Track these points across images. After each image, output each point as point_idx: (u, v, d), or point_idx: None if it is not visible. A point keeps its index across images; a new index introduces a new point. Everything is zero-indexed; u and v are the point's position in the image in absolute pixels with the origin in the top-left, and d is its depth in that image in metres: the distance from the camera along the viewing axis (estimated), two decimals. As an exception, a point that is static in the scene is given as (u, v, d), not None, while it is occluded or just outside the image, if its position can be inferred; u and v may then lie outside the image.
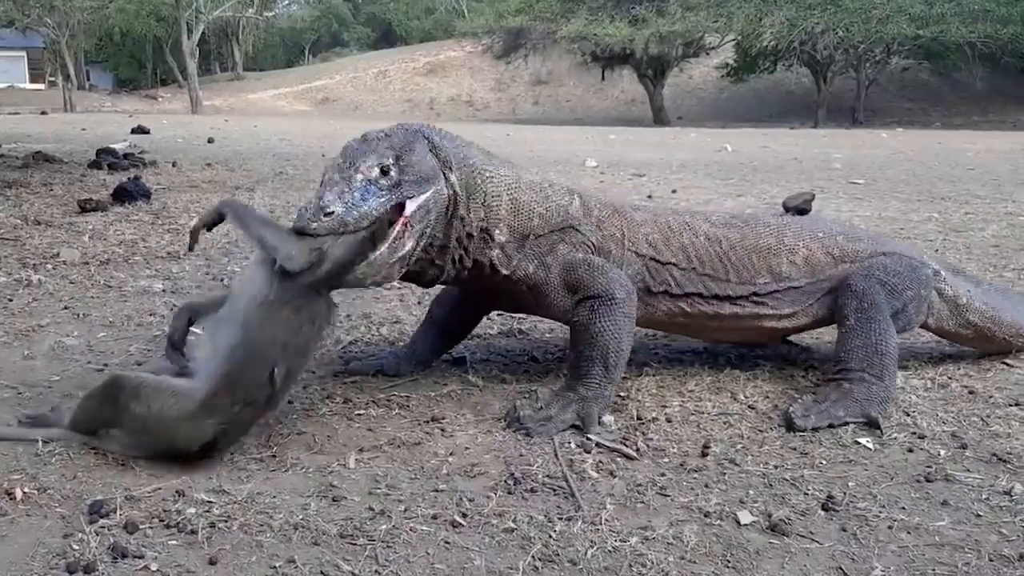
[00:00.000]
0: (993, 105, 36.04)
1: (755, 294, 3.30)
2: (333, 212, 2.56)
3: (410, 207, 2.70)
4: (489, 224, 2.96)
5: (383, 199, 2.66)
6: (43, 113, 31.04)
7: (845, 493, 2.45)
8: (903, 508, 2.38)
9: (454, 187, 2.84)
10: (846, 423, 2.94)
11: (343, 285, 2.71)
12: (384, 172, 2.68)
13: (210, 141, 16.60)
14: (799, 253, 3.35)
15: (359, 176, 2.66)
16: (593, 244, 3.12)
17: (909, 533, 2.25)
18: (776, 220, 3.57)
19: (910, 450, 2.76)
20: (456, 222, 2.88)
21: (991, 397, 3.21)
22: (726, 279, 3.28)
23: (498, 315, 4.30)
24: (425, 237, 2.78)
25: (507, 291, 3.11)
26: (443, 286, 3.29)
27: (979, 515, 2.35)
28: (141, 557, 2.05)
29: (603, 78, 41.38)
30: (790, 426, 2.91)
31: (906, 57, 36.17)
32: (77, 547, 2.08)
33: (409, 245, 2.72)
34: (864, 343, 3.13)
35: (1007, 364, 3.59)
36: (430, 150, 2.82)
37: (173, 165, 11.25)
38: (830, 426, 2.92)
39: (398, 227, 2.68)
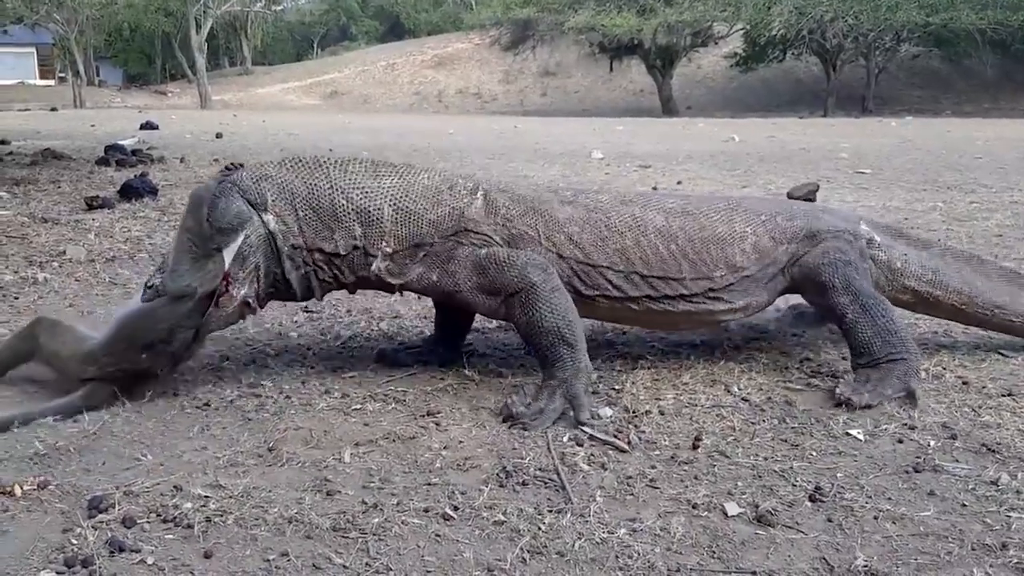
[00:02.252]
0: (1004, 92, 35.82)
1: (711, 289, 3.30)
2: (152, 285, 2.98)
3: (227, 260, 2.94)
4: (367, 240, 3.06)
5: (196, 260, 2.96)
6: (53, 109, 31.21)
7: (833, 484, 2.48)
8: (889, 499, 2.41)
9: (268, 225, 3.00)
10: (893, 399, 3.05)
11: (198, 331, 3.05)
12: (192, 234, 2.95)
13: (218, 136, 16.67)
14: (748, 240, 3.34)
15: (176, 243, 3.02)
16: (498, 244, 3.12)
17: (894, 523, 2.28)
18: (724, 203, 3.49)
19: (900, 441, 2.79)
20: (291, 252, 3.04)
21: (984, 387, 3.23)
22: (680, 277, 3.26)
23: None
24: (260, 278, 3.04)
25: (430, 296, 3.23)
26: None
27: (964, 505, 2.37)
28: (138, 551, 2.10)
29: (611, 69, 41.31)
30: (847, 405, 3.02)
31: (916, 44, 35.95)
32: (75, 542, 2.13)
33: (242, 292, 3.01)
34: (875, 331, 3.18)
35: (1002, 354, 3.60)
36: (239, 195, 2.98)
37: (181, 161, 11.32)
38: (880, 404, 3.02)
39: (220, 286, 2.95)
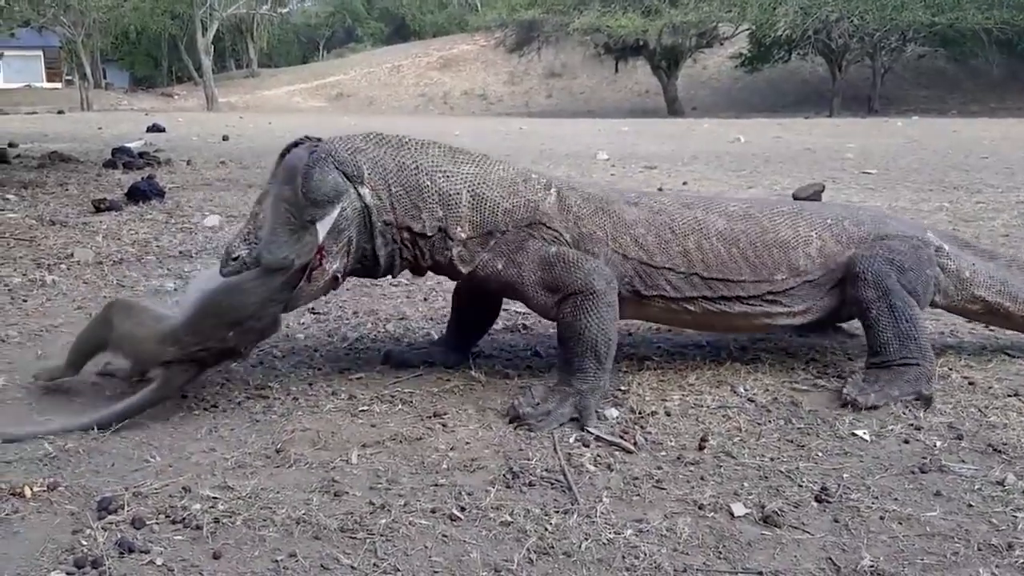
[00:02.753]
0: (1011, 92, 35.73)
1: (770, 292, 3.28)
2: (238, 257, 2.93)
3: (322, 233, 2.88)
4: (448, 223, 3.05)
5: (291, 229, 2.88)
6: (60, 112, 31.32)
7: (839, 485, 2.49)
8: (896, 499, 2.41)
9: (365, 199, 2.96)
10: (900, 401, 3.05)
11: (286, 306, 2.99)
12: (290, 204, 2.88)
13: (225, 139, 16.71)
14: (813, 244, 3.31)
15: (262, 213, 2.97)
16: (567, 241, 3.12)
17: (900, 524, 2.28)
18: (789, 207, 3.49)
19: (906, 441, 2.79)
20: (383, 228, 3.02)
21: (990, 388, 3.23)
22: (739, 280, 3.25)
23: (503, 310, 4.35)
24: (351, 253, 3.00)
25: (489, 288, 3.19)
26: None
27: (971, 505, 2.38)
28: (147, 552, 2.11)
29: (616, 70, 41.30)
30: (852, 405, 3.03)
31: (922, 44, 35.88)
32: (85, 543, 2.15)
33: (334, 266, 2.97)
34: (895, 331, 3.16)
35: (1008, 355, 3.61)
36: (335, 167, 2.94)
37: (187, 163, 11.36)
38: (885, 405, 3.03)
39: (313, 259, 2.89)
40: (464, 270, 3.10)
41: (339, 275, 3.02)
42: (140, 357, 3.01)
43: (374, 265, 3.09)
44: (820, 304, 3.34)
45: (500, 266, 3.08)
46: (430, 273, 3.24)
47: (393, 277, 3.24)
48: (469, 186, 3.07)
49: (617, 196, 3.31)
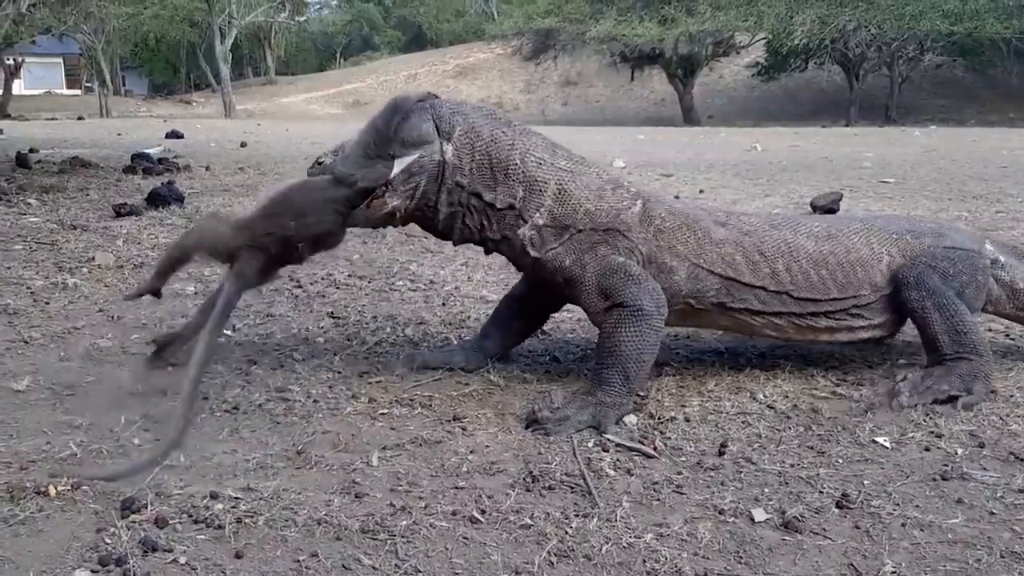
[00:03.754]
0: (1029, 102, 35.54)
1: (856, 306, 3.36)
2: (322, 163, 3.17)
3: (395, 170, 3.03)
4: (524, 203, 3.12)
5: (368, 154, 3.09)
6: (80, 118, 31.57)
7: (860, 491, 2.48)
8: (917, 506, 2.41)
9: (445, 155, 3.07)
10: (951, 397, 3.09)
11: (345, 221, 3.15)
12: (377, 133, 3.08)
13: (243, 145, 16.81)
14: (884, 260, 3.39)
15: (356, 136, 3.19)
16: (642, 253, 3.15)
17: (922, 530, 2.28)
18: (860, 224, 3.54)
19: (927, 449, 2.78)
20: (451, 188, 3.11)
21: (1011, 396, 3.22)
22: (827, 298, 3.32)
23: (522, 316, 4.36)
24: (415, 197, 3.10)
25: (547, 280, 3.24)
26: (478, 246, 3.34)
27: (993, 512, 2.37)
28: (170, 551, 2.13)
29: (632, 78, 41.34)
30: (897, 401, 3.09)
31: (940, 54, 35.71)
32: (109, 541, 2.16)
33: (393, 203, 3.08)
34: (944, 327, 3.21)
35: (1029, 363, 3.59)
36: (432, 117, 3.08)
37: (206, 169, 11.43)
38: (934, 401, 3.08)
39: (379, 189, 3.04)
40: (532, 254, 3.16)
41: (398, 212, 3.12)
42: (216, 246, 3.14)
43: (434, 217, 3.17)
44: (892, 317, 3.41)
45: (567, 262, 3.14)
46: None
47: (454, 244, 3.30)
48: (558, 179, 3.15)
49: (704, 214, 3.35)
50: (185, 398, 2.66)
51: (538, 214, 3.13)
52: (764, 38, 36.50)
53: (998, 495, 2.46)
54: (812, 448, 2.79)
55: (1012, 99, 35.88)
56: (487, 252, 3.35)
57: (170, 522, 2.25)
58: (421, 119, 3.07)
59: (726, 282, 3.23)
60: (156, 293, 3.42)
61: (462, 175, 3.10)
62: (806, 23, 32.74)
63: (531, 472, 2.57)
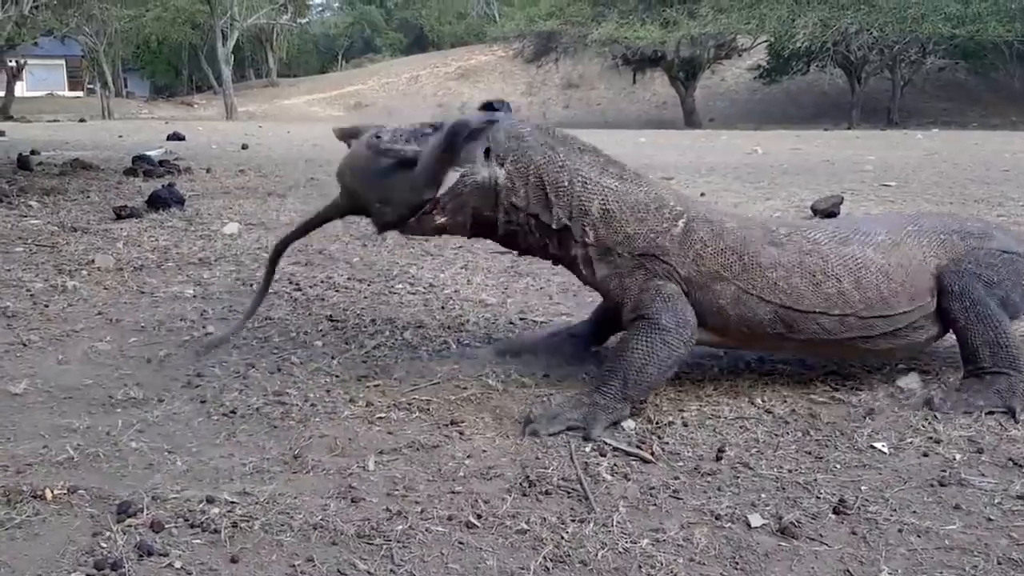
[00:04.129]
0: (1032, 105, 35.50)
1: (923, 317, 3.28)
2: (379, 136, 3.18)
3: (442, 189, 3.08)
4: (574, 223, 3.16)
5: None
6: (81, 120, 31.58)
7: (857, 497, 2.47)
8: (914, 512, 2.40)
9: (497, 178, 3.12)
10: (989, 412, 3.06)
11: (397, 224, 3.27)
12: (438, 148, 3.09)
13: (244, 147, 16.80)
14: (932, 263, 3.29)
15: (420, 128, 3.24)
16: (680, 275, 3.12)
17: (919, 536, 2.27)
18: (913, 225, 3.42)
19: (925, 454, 2.78)
20: (507, 208, 3.16)
21: (1010, 401, 3.21)
22: (897, 313, 3.22)
23: (520, 319, 4.37)
24: (467, 214, 3.17)
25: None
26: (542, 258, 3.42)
27: (991, 519, 2.36)
28: (166, 555, 2.13)
29: (634, 81, 41.31)
30: (929, 407, 3.10)
31: (942, 57, 35.63)
32: (105, 545, 2.16)
33: (440, 221, 3.15)
34: (984, 340, 3.17)
35: (1029, 368, 3.57)
36: (485, 140, 3.13)
37: (207, 171, 11.43)
38: (966, 414, 3.04)
39: (427, 205, 3.11)
40: (584, 271, 3.22)
41: (449, 227, 3.21)
42: (339, 169, 3.37)
43: (494, 233, 3.26)
44: (941, 323, 3.33)
45: (612, 285, 3.18)
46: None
47: (520, 254, 3.44)
48: (602, 200, 3.16)
49: (760, 234, 3.24)
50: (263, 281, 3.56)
51: (586, 235, 3.17)
52: (766, 41, 36.43)
53: (996, 501, 2.46)
54: (810, 453, 2.79)
55: (1014, 102, 35.83)
56: (554, 263, 3.43)
57: (166, 526, 2.25)
58: (478, 143, 3.10)
59: (783, 310, 3.14)
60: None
61: (517, 197, 3.15)
62: (808, 26, 32.68)
63: (528, 477, 2.57)
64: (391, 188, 3.16)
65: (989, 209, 8.52)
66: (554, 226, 3.16)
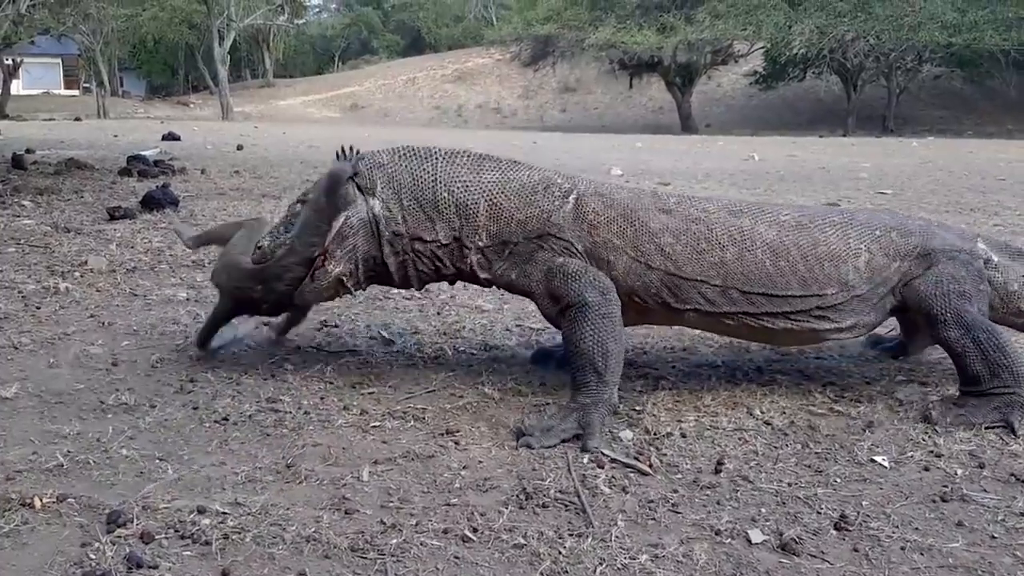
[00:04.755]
0: (1027, 114, 35.57)
1: (819, 307, 3.21)
2: (261, 246, 3.31)
3: (327, 238, 3.13)
4: (464, 233, 3.15)
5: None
6: (77, 119, 31.48)
7: (858, 512, 2.44)
8: (917, 529, 2.37)
9: (373, 210, 3.14)
10: (988, 427, 3.03)
11: (291, 304, 3.43)
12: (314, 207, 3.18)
13: (239, 148, 16.75)
14: (862, 257, 3.23)
15: (290, 213, 3.35)
16: (578, 251, 3.12)
17: (922, 554, 2.24)
18: (839, 216, 3.37)
19: (926, 469, 2.74)
20: (390, 239, 3.17)
21: (1011, 415, 3.17)
22: (785, 295, 3.18)
23: (517, 325, 4.33)
24: (357, 259, 3.18)
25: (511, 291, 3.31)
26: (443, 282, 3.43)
27: (994, 536, 2.33)
28: (155, 567, 2.09)
29: (631, 86, 41.31)
30: (927, 420, 3.08)
31: (938, 65, 35.70)
32: (94, 556, 2.12)
33: (336, 270, 3.17)
34: (984, 363, 3.10)
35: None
36: (352, 179, 3.16)
37: (202, 172, 11.38)
38: (965, 429, 3.01)
39: (317, 260, 3.14)
40: (483, 276, 3.20)
41: (344, 278, 3.21)
42: (215, 270, 3.54)
43: (386, 272, 3.25)
44: (867, 319, 3.28)
45: (513, 276, 3.17)
46: (441, 286, 3.26)
47: (418, 290, 3.38)
48: (487, 196, 3.16)
49: (650, 202, 3.24)
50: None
51: (477, 237, 3.15)
52: (762, 47, 36.50)
53: (999, 518, 2.42)
54: (810, 467, 2.75)
55: (1010, 111, 35.91)
56: (451, 283, 3.45)
57: (156, 537, 2.21)
58: (346, 185, 3.15)
59: (667, 277, 3.13)
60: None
61: (397, 224, 3.16)
62: (804, 33, 32.74)
63: (525, 489, 2.53)
64: (274, 266, 3.24)
65: (986, 218, 8.50)
66: (443, 241, 3.16)
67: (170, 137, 19.12)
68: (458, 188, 3.15)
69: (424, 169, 3.18)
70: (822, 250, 3.20)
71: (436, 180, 3.16)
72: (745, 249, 3.15)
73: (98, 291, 4.82)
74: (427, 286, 3.45)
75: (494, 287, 3.30)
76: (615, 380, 2.99)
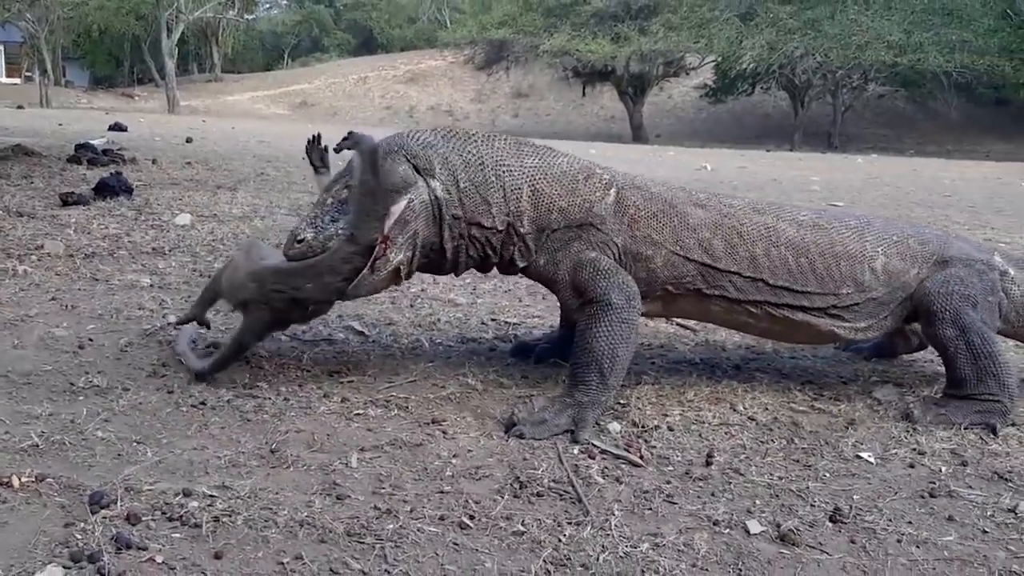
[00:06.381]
0: (967, 135, 36.49)
1: (835, 306, 3.24)
2: (303, 239, 2.98)
3: (387, 224, 2.86)
4: (513, 218, 3.03)
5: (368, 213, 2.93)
6: (19, 107, 30.66)
7: (851, 506, 2.45)
8: (910, 522, 2.38)
9: (435, 192, 2.94)
10: (967, 427, 3.05)
11: (343, 296, 3.06)
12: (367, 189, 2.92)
13: (188, 141, 16.42)
14: (878, 260, 3.27)
15: (329, 199, 3.03)
16: (617, 244, 3.08)
17: (918, 547, 2.25)
18: (856, 220, 3.42)
19: (911, 466, 2.77)
20: (450, 223, 2.99)
21: (988, 416, 3.22)
22: (804, 290, 3.21)
23: (492, 319, 4.29)
24: (416, 244, 2.95)
25: (536, 280, 3.23)
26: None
27: (985, 531, 2.35)
28: (145, 549, 2.01)
29: (584, 94, 41.53)
30: (907, 418, 3.11)
31: (883, 84, 36.47)
32: (80, 536, 2.04)
33: (398, 258, 2.92)
34: (974, 368, 3.14)
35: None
36: (406, 159, 2.94)
37: (153, 162, 11.12)
38: (944, 428, 3.05)
39: (378, 248, 2.86)
40: (520, 264, 3.11)
41: (402, 266, 2.98)
42: (231, 289, 3.19)
43: (441, 259, 3.08)
44: (883, 323, 3.32)
45: (542, 263, 3.08)
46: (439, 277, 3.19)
47: (456, 275, 3.23)
48: (530, 181, 3.05)
49: (684, 196, 3.26)
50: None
51: (520, 224, 3.05)
52: (713, 61, 36.92)
53: (988, 514, 2.45)
54: (798, 461, 2.76)
55: (950, 131, 36.83)
56: (484, 272, 3.29)
57: (143, 519, 2.14)
58: (396, 164, 2.94)
59: (704, 268, 3.16)
60: (201, 322, 3.59)
61: (455, 206, 2.99)
62: (755, 48, 33.18)
63: (518, 478, 2.50)
64: (330, 259, 2.95)
65: (938, 231, 8.68)
66: (499, 227, 3.04)
67: (117, 128, 18.68)
68: (504, 171, 3.04)
69: (470, 151, 3.04)
70: (839, 250, 3.24)
71: (483, 163, 3.03)
72: (771, 244, 3.19)
73: (57, 275, 4.66)
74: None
75: (524, 276, 3.23)
76: (616, 385, 2.99)
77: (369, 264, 2.89)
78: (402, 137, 3.05)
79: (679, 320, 4.18)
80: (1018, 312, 3.40)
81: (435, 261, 3.09)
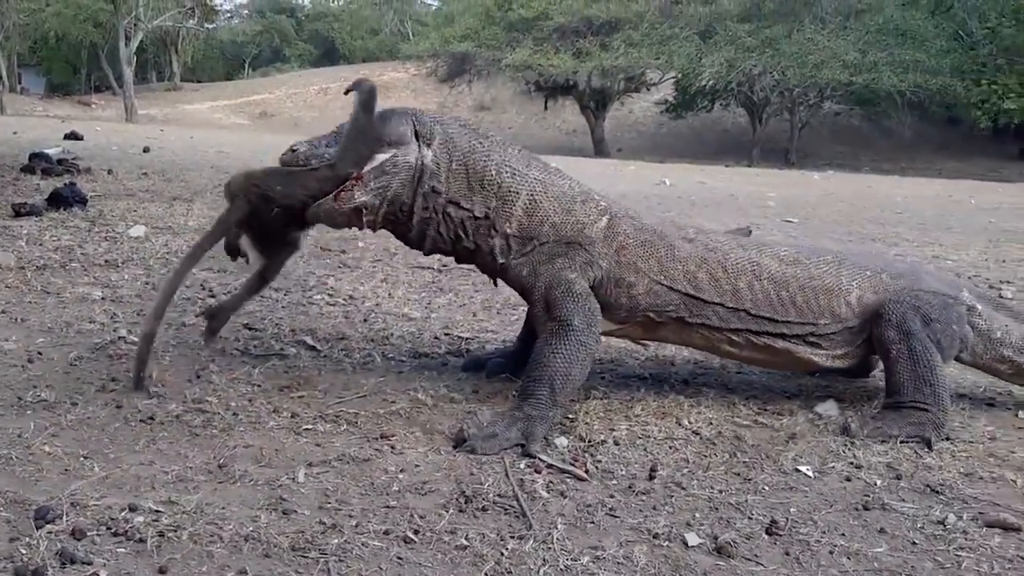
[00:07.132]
0: (920, 152, 37.15)
1: (813, 335, 3.41)
2: (296, 150, 3.19)
3: (367, 166, 3.06)
4: (497, 213, 3.19)
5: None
6: (-28, 114, 30.17)
7: (787, 519, 2.52)
8: (843, 534, 2.45)
9: (423, 159, 3.12)
10: (903, 441, 3.14)
11: (304, 218, 3.19)
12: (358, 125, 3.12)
13: (146, 150, 16.27)
14: (853, 294, 3.43)
15: (333, 132, 3.27)
16: (601, 267, 3.23)
17: (849, 558, 2.32)
18: (833, 255, 3.60)
19: (848, 479, 2.84)
20: (427, 192, 3.15)
21: (923, 431, 3.32)
22: (785, 320, 3.38)
23: (445, 334, 4.33)
24: (386, 197, 3.12)
25: (509, 283, 3.34)
26: (448, 257, 3.43)
27: (915, 543, 2.43)
28: (90, 564, 2.02)
29: (546, 107, 41.69)
30: (845, 432, 3.19)
31: (839, 102, 37.05)
32: (25, 551, 2.04)
33: (361, 199, 3.08)
34: (912, 374, 3.26)
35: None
36: (412, 122, 3.16)
37: (109, 173, 11.03)
38: (882, 442, 3.13)
39: (348, 182, 3.05)
40: (500, 261, 3.24)
41: (365, 210, 3.11)
42: (228, 186, 3.33)
43: (407, 223, 3.21)
44: (858, 351, 3.47)
45: (524, 272, 3.23)
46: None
47: (425, 254, 3.36)
48: (530, 190, 3.23)
49: (674, 231, 3.45)
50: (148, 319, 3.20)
51: (508, 224, 3.20)
52: (674, 77, 37.28)
53: (918, 526, 2.53)
54: (739, 475, 2.83)
55: (904, 149, 37.46)
56: (458, 261, 3.42)
57: (88, 534, 2.15)
58: (399, 120, 3.15)
59: (687, 298, 3.31)
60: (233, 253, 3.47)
61: (439, 181, 3.16)
62: (714, 65, 33.59)
63: (464, 492, 2.54)
64: (305, 174, 3.14)
65: (886, 248, 8.85)
66: (476, 214, 3.20)
67: (72, 136, 18.44)
68: (506, 172, 3.22)
69: (481, 144, 3.24)
70: (817, 284, 3.42)
71: (489, 157, 3.21)
72: (755, 278, 3.36)
73: (8, 287, 4.63)
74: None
75: (498, 273, 3.33)
76: (565, 404, 3.10)
77: (334, 193, 3.06)
78: (419, 110, 3.29)
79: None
80: (985, 345, 3.54)
81: (402, 225, 3.23)
